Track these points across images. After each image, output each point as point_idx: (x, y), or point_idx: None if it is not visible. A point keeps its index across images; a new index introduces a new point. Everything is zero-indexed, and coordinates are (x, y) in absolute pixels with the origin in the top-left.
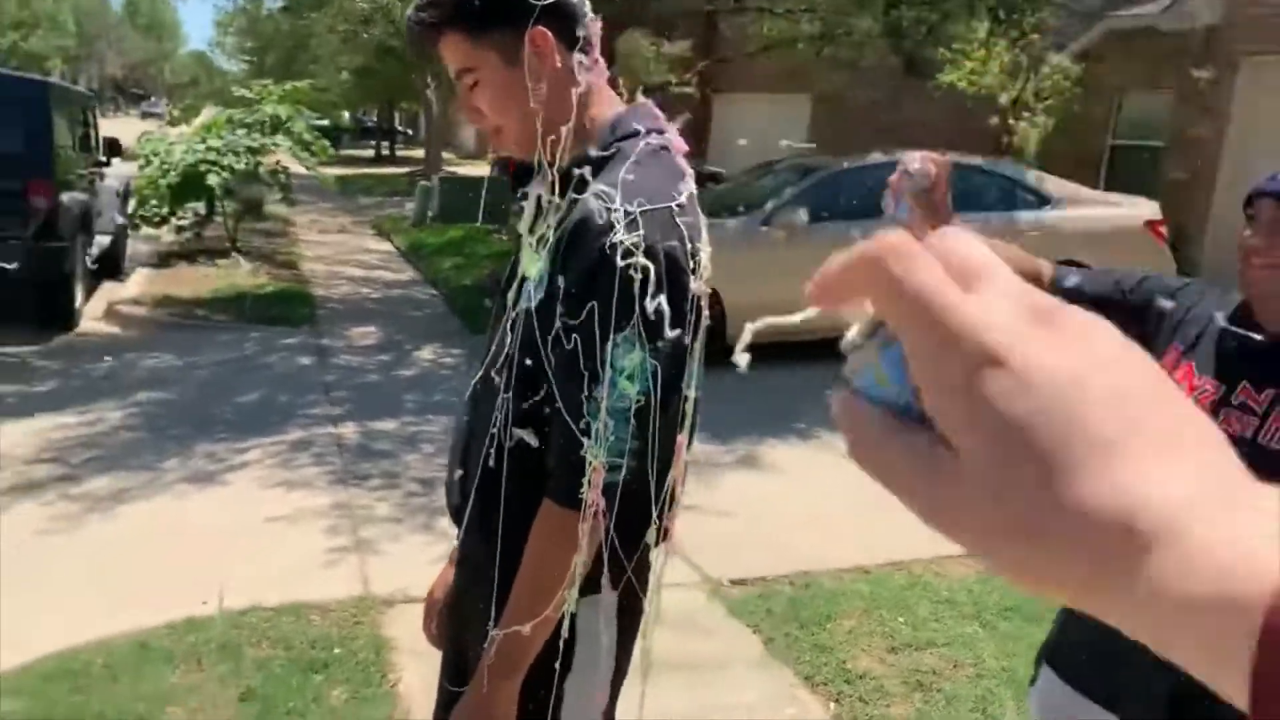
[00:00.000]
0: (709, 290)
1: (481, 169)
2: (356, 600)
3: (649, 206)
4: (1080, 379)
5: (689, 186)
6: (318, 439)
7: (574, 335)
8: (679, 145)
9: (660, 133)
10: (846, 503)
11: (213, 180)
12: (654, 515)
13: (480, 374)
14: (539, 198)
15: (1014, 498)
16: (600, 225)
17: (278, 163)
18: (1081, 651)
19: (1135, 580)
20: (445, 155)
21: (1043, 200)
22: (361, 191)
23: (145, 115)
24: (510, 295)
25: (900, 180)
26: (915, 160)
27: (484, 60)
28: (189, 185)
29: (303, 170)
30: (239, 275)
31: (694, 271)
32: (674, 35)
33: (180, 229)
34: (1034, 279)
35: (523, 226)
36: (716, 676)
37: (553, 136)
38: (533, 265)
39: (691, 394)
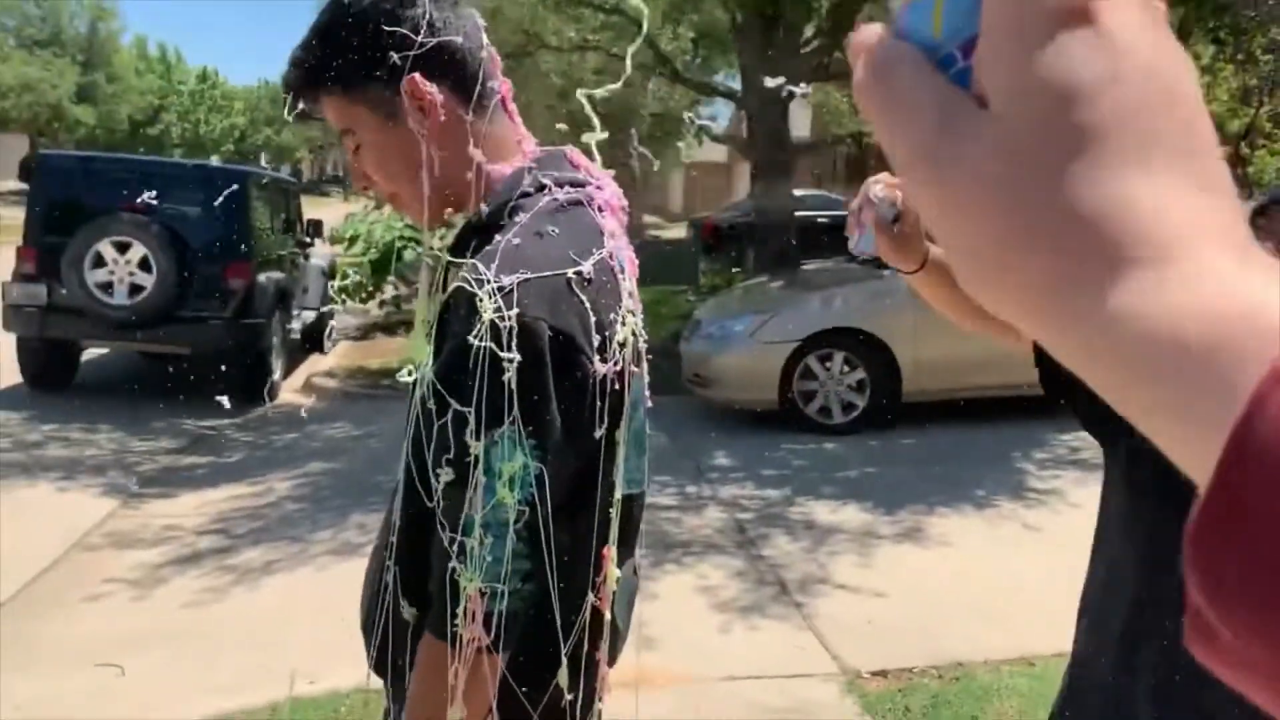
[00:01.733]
0: (635, 368)
1: (682, 231)
2: None
3: (530, 275)
4: (1161, 71)
5: (606, 249)
6: None
7: (445, 434)
8: (608, 200)
9: (578, 185)
10: (1018, 582)
11: (409, 255)
12: (563, 652)
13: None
14: (430, 271)
15: (1031, 168)
16: (468, 303)
17: None
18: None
19: (1111, 294)
20: (649, 219)
21: None
22: None
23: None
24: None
25: (863, 208)
26: (878, 185)
27: (359, 120)
28: (387, 261)
29: None
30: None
31: (601, 350)
32: None
33: (383, 303)
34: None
35: (418, 305)
36: None
37: (449, 200)
38: (420, 350)
39: (618, 493)
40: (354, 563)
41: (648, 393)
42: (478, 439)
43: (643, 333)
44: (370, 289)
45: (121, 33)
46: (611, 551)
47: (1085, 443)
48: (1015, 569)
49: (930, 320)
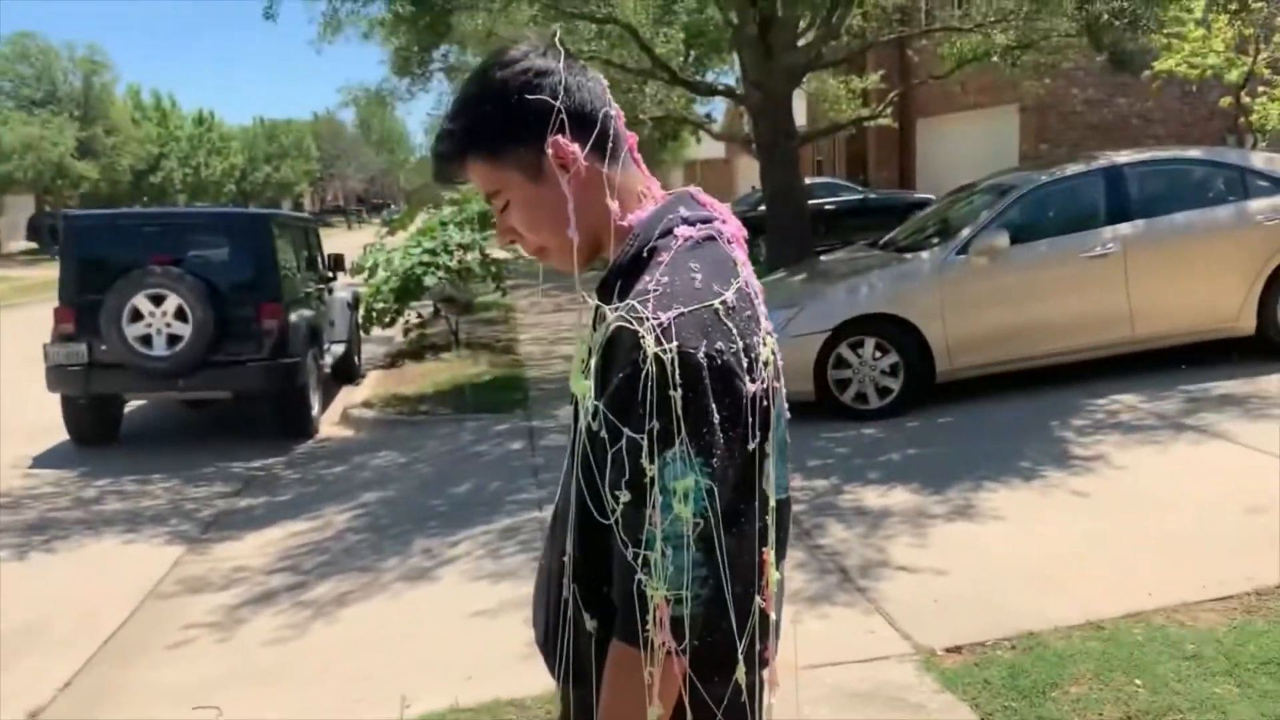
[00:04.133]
0: (776, 384)
1: None
2: (552, 694)
3: (683, 310)
4: None
5: (742, 277)
6: (524, 525)
7: (620, 459)
8: (734, 233)
9: (707, 221)
10: (1076, 549)
11: (429, 280)
12: (739, 650)
13: (558, 499)
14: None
15: None
16: (630, 340)
17: (488, 256)
18: None
19: None
20: None
21: (1277, 184)
22: None
23: (385, 223)
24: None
25: None
26: None
27: (507, 181)
28: (409, 287)
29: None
30: (459, 367)
31: (750, 371)
32: (864, 69)
33: (406, 330)
34: None
35: (577, 344)
36: None
37: (590, 246)
38: (579, 383)
39: (772, 500)
40: (426, 588)
41: (786, 405)
42: (652, 462)
43: (779, 352)
44: (394, 314)
45: (115, 83)
46: (770, 554)
47: (1123, 406)
48: (1070, 535)
49: (956, 299)
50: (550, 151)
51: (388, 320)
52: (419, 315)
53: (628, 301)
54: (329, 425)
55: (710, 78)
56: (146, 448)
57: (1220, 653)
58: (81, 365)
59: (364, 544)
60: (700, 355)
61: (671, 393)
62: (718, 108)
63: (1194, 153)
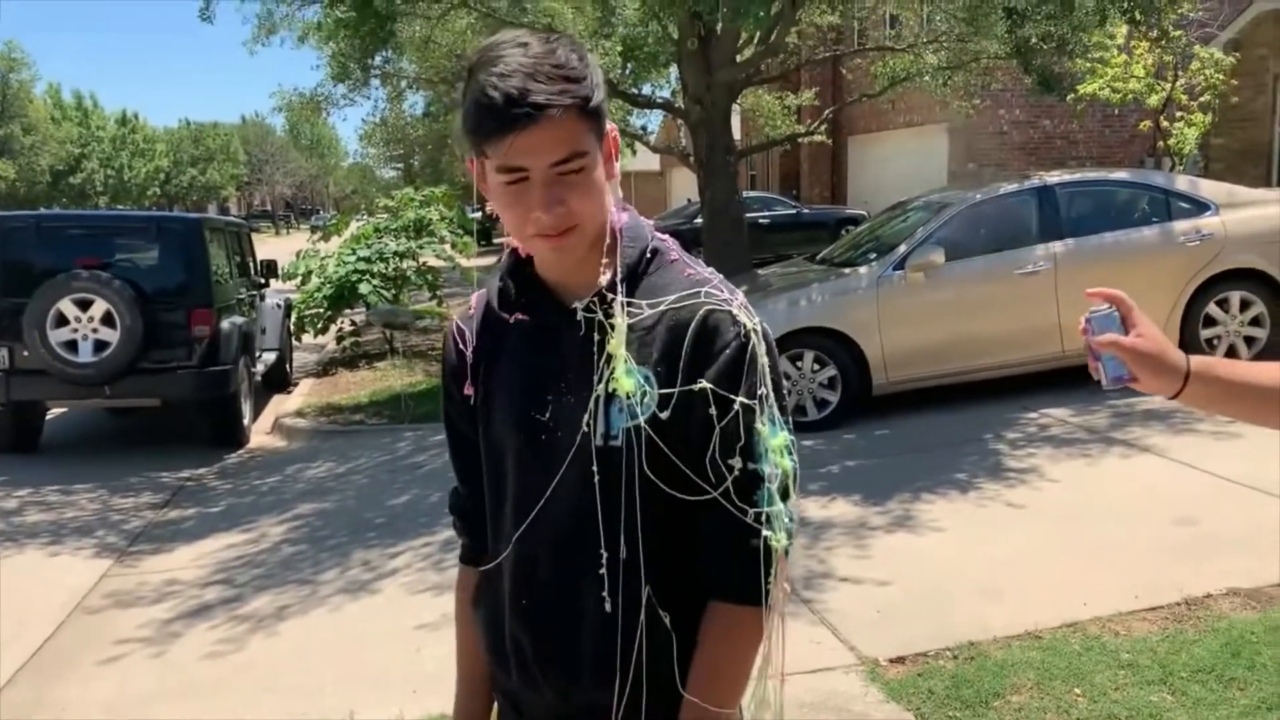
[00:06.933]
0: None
1: None
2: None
3: (739, 293)
4: None
5: None
6: None
7: (732, 429)
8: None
9: (660, 234)
10: (1013, 559)
11: (364, 288)
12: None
13: (530, 519)
14: (618, 309)
15: None
16: (727, 319)
17: (423, 264)
18: None
19: None
20: None
21: (1199, 206)
22: None
23: (314, 229)
24: (586, 422)
25: (1091, 334)
26: (1089, 313)
27: (592, 148)
28: (343, 294)
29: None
30: (394, 376)
31: None
32: (799, 86)
33: (339, 338)
34: None
35: (614, 346)
36: None
37: (604, 240)
38: (626, 380)
39: None
40: (366, 601)
41: None
42: (762, 425)
43: None
44: (327, 322)
45: (34, 81)
46: None
47: (1054, 419)
48: (1006, 546)
49: (892, 314)
50: (613, 137)
51: (320, 327)
52: (352, 323)
53: (696, 290)
54: (260, 435)
55: (647, 91)
56: (69, 457)
57: (1155, 661)
58: (2, 371)
59: (301, 556)
60: (766, 328)
61: (763, 360)
62: (653, 121)
63: (1122, 174)
